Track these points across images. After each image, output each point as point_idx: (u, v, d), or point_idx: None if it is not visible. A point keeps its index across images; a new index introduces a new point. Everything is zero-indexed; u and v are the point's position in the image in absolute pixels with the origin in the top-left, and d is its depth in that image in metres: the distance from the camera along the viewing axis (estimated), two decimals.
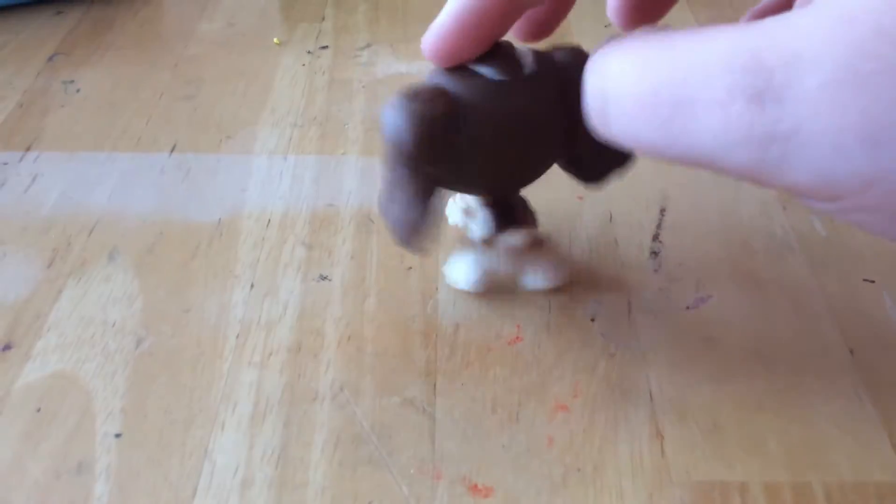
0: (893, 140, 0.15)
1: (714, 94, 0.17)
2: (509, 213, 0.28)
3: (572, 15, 0.28)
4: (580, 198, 0.33)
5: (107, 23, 0.46)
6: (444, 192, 0.25)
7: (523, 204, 0.29)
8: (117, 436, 0.25)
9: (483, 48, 0.24)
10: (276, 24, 0.46)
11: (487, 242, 0.28)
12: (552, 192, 0.32)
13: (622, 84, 0.19)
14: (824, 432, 0.25)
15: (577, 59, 0.24)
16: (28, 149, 0.37)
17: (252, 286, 0.30)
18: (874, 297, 0.29)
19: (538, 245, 0.28)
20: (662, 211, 0.33)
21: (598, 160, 0.27)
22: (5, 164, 0.36)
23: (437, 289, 0.30)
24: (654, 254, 0.31)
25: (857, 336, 0.28)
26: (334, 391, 0.26)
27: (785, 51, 0.16)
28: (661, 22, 0.26)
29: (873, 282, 0.30)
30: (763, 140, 0.17)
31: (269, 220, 0.33)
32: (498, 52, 0.24)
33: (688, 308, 0.29)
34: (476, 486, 0.24)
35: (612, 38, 0.22)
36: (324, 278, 0.30)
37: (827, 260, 0.31)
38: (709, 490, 0.23)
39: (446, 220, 0.30)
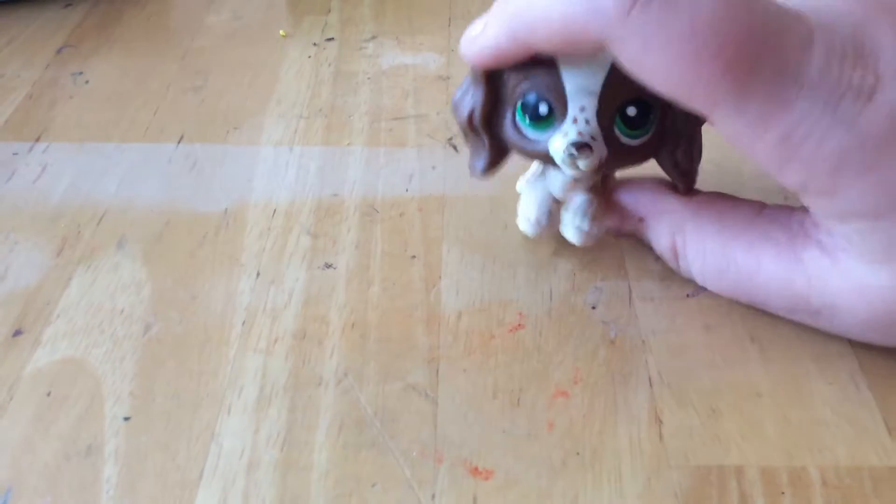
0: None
1: (779, 301, 0.27)
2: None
3: None
4: None
5: (115, 15, 0.47)
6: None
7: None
8: (126, 419, 0.25)
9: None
10: (283, 17, 0.47)
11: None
12: None
13: (708, 280, 0.29)
14: (821, 417, 0.25)
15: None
16: (37, 140, 0.37)
17: (258, 274, 0.30)
18: None
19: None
20: None
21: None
22: (15, 154, 0.36)
23: (440, 277, 0.30)
24: None
25: None
26: (338, 377, 0.27)
27: (827, 300, 0.25)
28: None
29: None
30: (822, 324, 0.27)
31: (275, 210, 0.33)
32: None
33: (688, 295, 0.29)
34: (477, 468, 0.24)
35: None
36: (328, 266, 0.31)
37: None
38: (706, 474, 0.24)
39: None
